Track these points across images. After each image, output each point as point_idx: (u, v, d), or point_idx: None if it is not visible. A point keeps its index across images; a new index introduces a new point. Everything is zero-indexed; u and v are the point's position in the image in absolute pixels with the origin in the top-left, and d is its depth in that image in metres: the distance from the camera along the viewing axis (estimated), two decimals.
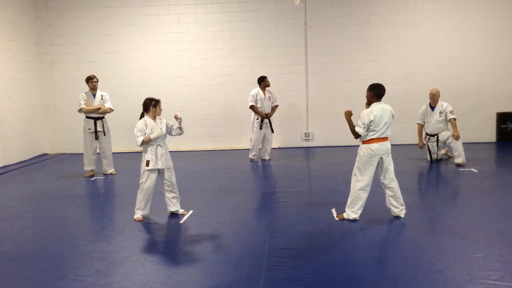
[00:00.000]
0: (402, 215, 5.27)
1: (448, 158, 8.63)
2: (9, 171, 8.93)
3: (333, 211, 5.54)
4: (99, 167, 8.34)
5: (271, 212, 5.72)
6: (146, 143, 5.42)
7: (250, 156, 9.22)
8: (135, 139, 5.43)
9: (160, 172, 5.55)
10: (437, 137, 8.29)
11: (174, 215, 5.67)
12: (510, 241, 4.47)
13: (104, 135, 8.15)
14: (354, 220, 5.19)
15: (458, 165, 7.96)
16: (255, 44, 10.62)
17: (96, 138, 8.09)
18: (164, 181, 5.57)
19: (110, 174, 8.29)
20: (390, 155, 5.21)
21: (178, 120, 5.56)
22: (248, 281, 3.76)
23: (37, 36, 10.68)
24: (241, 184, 7.47)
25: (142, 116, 5.55)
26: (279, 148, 10.63)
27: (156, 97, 5.58)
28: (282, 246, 4.51)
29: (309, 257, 4.22)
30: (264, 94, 8.98)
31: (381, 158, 5.13)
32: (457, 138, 7.99)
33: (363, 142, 5.17)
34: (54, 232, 5.27)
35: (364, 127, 5.05)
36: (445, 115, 8.20)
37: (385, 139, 5.14)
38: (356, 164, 5.23)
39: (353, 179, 5.25)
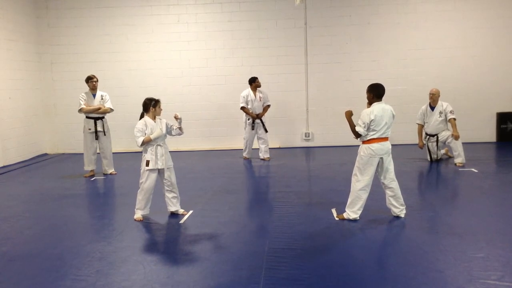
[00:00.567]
0: (402, 215, 5.27)
1: (448, 158, 8.63)
2: (9, 171, 8.93)
3: (333, 211, 5.54)
4: (99, 167, 8.34)
5: (271, 212, 5.72)
6: (146, 143, 5.42)
7: (243, 155, 9.37)
8: (135, 139, 5.44)
9: (160, 172, 5.55)
10: (437, 137, 8.29)
11: (174, 215, 5.67)
12: (510, 241, 4.47)
13: (104, 135, 8.16)
14: (354, 220, 5.19)
15: (458, 165, 7.96)
16: (255, 44, 10.63)
17: (96, 138, 8.09)
18: (164, 181, 5.57)
19: (110, 174, 8.29)
20: (391, 155, 5.21)
21: (178, 120, 5.56)
22: (248, 281, 3.76)
23: (37, 36, 10.68)
24: (241, 184, 7.47)
25: (142, 116, 5.55)
26: (279, 148, 10.64)
27: (156, 97, 5.58)
28: (282, 246, 4.51)
29: (309, 257, 4.22)
30: (255, 94, 9.10)
31: (382, 158, 5.13)
32: (456, 138, 7.99)
33: (364, 142, 5.17)
34: (54, 232, 5.27)
35: (364, 127, 5.05)
36: (445, 115, 8.20)
37: (386, 139, 5.14)
38: (356, 164, 5.23)
39: (353, 179, 5.25)
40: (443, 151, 8.57)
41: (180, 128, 5.63)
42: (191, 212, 5.74)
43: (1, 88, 9.33)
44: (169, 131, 5.61)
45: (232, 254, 4.37)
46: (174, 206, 5.67)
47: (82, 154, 8.31)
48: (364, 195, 5.19)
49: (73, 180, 8.00)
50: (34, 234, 5.21)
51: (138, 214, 5.55)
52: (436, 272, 3.82)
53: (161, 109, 5.58)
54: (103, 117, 8.16)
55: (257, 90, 9.15)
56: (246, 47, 10.64)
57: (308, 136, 10.81)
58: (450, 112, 8.17)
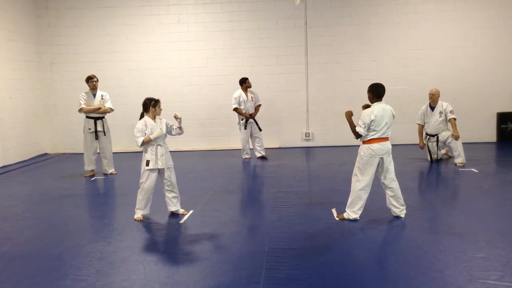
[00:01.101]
0: (403, 215, 5.27)
1: (448, 158, 8.63)
2: (9, 171, 8.93)
3: (333, 211, 5.54)
4: (99, 167, 8.34)
5: (271, 212, 5.72)
6: (146, 143, 5.42)
7: (243, 156, 9.41)
8: (135, 139, 5.44)
9: (160, 171, 5.55)
10: (437, 137, 8.29)
11: (174, 215, 5.67)
12: (510, 241, 4.47)
13: (104, 135, 8.15)
14: (355, 220, 5.18)
15: (458, 165, 7.96)
16: (255, 44, 10.63)
17: (96, 138, 8.09)
18: (164, 181, 5.57)
19: (110, 174, 8.29)
20: (391, 155, 5.21)
21: (178, 120, 5.56)
22: (248, 281, 3.76)
23: (37, 36, 10.68)
24: (241, 184, 7.47)
25: (142, 116, 5.55)
26: (279, 148, 10.64)
27: (156, 97, 5.58)
28: (282, 246, 4.51)
29: (309, 257, 4.22)
30: (246, 95, 9.22)
31: (382, 158, 5.13)
32: (456, 138, 7.99)
33: (364, 142, 5.16)
34: (54, 232, 5.27)
35: (364, 127, 5.05)
36: (445, 115, 8.20)
37: (386, 139, 5.14)
38: (356, 164, 5.23)
39: (353, 179, 5.25)
40: (443, 151, 8.57)
41: (180, 128, 5.63)
42: (191, 212, 5.74)
43: (1, 88, 9.33)
44: (169, 131, 5.61)
45: (232, 254, 4.37)
46: (174, 206, 5.67)
47: (82, 154, 8.31)
48: (365, 195, 5.18)
49: (73, 180, 8.00)
50: (34, 234, 5.21)
51: (138, 214, 5.55)
52: (436, 272, 3.82)
53: (161, 109, 5.57)
54: (103, 117, 8.16)
55: (248, 91, 9.27)
56: (246, 47, 10.64)
57: (308, 136, 10.81)
58: (450, 112, 8.17)
